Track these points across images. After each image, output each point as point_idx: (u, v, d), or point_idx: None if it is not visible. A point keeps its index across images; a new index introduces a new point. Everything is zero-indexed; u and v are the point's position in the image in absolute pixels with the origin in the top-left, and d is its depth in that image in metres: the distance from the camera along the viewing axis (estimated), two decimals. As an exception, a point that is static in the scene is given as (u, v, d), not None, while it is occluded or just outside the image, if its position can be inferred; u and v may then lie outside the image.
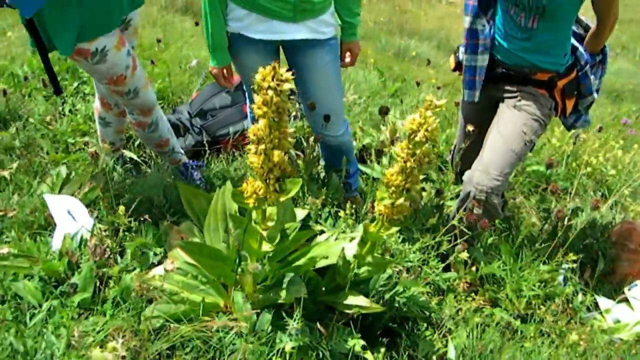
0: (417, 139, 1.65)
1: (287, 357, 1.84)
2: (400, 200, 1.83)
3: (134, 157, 3.21)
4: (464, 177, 2.70)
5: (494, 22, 2.70)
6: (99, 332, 1.86)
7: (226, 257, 2.00)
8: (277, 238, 1.87)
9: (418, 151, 1.70)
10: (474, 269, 2.56)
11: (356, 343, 2.02)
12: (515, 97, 2.71)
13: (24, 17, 2.27)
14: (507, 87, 2.74)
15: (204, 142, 3.41)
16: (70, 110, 3.52)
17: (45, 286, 2.06)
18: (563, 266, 2.69)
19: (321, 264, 2.10)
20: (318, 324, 1.94)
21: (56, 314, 1.93)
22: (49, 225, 2.38)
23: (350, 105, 4.16)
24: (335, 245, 2.11)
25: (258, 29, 2.56)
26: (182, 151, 3.13)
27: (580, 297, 2.59)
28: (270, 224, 1.85)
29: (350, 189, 3.22)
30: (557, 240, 2.65)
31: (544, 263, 2.61)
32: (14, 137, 2.97)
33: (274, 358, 1.85)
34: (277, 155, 1.63)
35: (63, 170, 2.70)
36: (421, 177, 1.82)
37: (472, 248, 2.67)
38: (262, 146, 1.61)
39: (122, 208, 2.23)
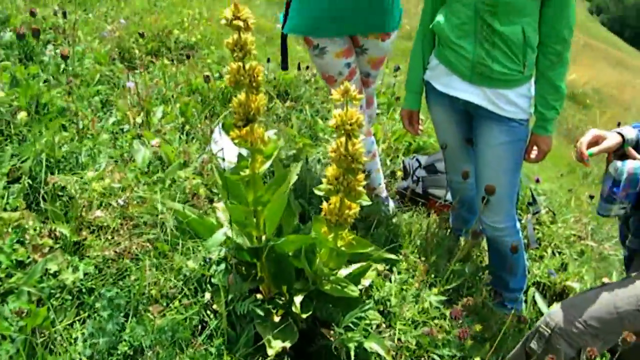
0: (331, 124, 1.68)
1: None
2: (348, 207, 1.84)
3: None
4: None
5: None
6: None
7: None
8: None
9: (344, 143, 1.71)
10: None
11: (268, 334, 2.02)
12: None
13: None
14: None
15: (414, 191, 3.56)
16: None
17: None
18: None
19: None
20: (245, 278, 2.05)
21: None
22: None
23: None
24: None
25: (441, 81, 2.62)
26: (382, 183, 3.35)
27: None
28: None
29: (500, 305, 2.92)
30: None
31: None
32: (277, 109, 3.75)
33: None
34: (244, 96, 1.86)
35: (271, 132, 3.30)
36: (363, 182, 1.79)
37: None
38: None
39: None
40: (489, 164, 2.65)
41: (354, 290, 2.09)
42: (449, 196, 3.46)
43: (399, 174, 3.82)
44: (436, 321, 2.34)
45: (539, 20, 2.41)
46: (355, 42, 2.93)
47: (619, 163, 1.98)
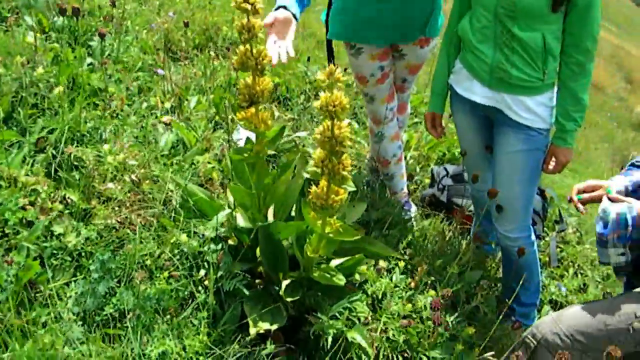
0: (315, 105, 1.74)
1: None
2: (335, 193, 1.89)
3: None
4: None
5: None
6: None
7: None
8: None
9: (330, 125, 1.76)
10: None
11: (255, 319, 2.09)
12: None
13: None
14: None
15: (439, 199, 3.56)
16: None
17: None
18: None
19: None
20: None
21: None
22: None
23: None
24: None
25: (463, 85, 2.63)
26: (404, 188, 3.37)
27: None
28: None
29: (513, 314, 2.87)
30: None
31: None
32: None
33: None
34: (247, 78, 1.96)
35: (303, 133, 3.40)
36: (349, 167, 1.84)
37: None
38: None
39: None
40: (504, 171, 2.63)
41: (340, 279, 2.13)
42: (472, 206, 3.44)
43: (426, 181, 3.82)
44: (429, 323, 2.34)
45: (563, 29, 2.39)
46: (393, 46, 2.97)
47: (607, 203, 1.99)
